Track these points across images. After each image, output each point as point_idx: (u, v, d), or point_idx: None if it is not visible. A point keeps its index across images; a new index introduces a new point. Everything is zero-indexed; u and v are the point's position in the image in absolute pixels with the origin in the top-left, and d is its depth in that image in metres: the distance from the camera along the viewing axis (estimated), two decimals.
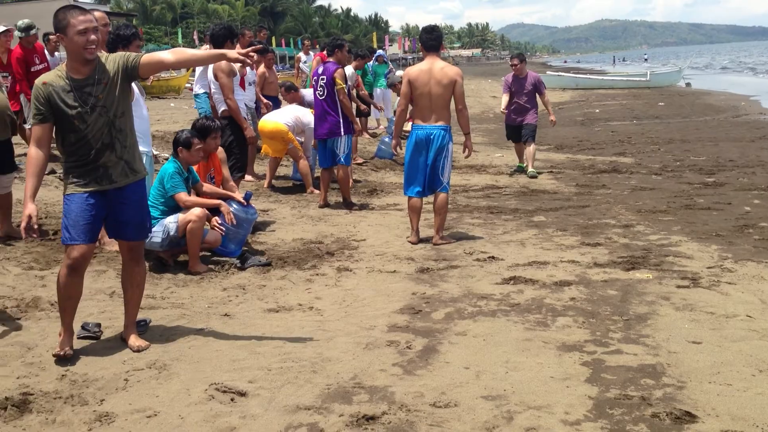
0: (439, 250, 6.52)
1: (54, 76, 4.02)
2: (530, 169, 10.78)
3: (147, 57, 4.15)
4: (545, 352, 4.18)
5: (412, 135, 6.76)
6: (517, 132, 11.12)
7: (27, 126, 8.82)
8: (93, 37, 3.95)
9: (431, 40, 6.77)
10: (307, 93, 10.05)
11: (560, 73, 43.39)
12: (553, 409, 3.48)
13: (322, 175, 8.69)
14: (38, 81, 4.05)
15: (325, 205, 8.52)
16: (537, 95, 10.98)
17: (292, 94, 10.33)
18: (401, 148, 7.46)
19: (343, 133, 8.33)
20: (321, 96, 8.41)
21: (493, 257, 6.22)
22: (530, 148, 10.84)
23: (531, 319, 4.73)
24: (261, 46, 10.62)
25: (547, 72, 42.76)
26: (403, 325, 4.68)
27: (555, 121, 11.43)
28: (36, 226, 3.93)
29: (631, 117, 21.07)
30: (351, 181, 9.21)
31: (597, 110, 23.18)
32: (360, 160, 11.63)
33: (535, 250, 6.48)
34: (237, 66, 7.43)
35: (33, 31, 9.79)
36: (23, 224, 3.89)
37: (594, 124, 19.54)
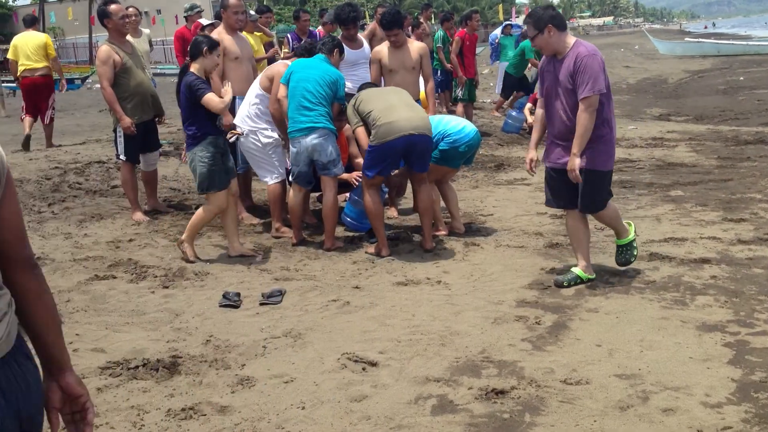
0: None
1: None
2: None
3: None
4: (683, 332, 4.02)
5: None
6: (565, 189, 4.86)
7: None
8: None
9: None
10: None
11: (700, 40, 40.87)
12: (693, 390, 3.35)
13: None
14: None
15: None
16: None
17: None
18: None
19: None
20: None
21: None
22: (607, 217, 5.02)
23: (668, 297, 4.55)
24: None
25: (686, 39, 40.34)
26: (532, 300, 4.63)
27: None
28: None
29: None
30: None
31: (741, 78, 21.64)
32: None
33: (672, 226, 6.19)
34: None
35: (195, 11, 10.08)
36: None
37: (738, 92, 18.29)
